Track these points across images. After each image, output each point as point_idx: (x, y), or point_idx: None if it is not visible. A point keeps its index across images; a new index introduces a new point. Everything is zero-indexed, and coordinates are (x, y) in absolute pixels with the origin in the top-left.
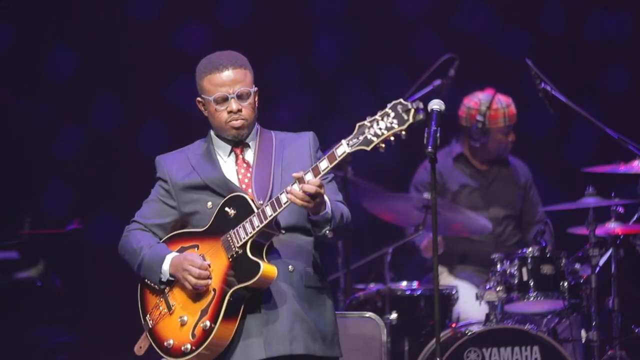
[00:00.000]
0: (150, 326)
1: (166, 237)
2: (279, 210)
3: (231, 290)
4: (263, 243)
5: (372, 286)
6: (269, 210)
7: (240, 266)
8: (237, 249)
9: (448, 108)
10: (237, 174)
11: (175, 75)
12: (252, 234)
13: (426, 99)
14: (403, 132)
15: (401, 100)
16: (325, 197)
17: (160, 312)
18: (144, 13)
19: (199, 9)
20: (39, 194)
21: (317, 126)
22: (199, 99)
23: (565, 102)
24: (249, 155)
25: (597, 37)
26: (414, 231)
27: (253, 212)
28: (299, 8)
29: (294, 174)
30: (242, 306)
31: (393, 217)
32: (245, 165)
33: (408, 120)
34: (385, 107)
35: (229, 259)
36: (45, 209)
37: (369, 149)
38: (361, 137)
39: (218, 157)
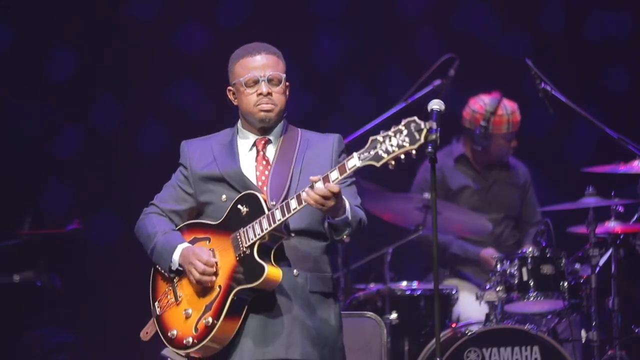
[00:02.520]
0: (158, 313)
1: (182, 225)
2: (287, 216)
3: (235, 290)
4: (271, 245)
5: (372, 286)
6: (278, 214)
7: (247, 267)
8: (244, 249)
9: (448, 108)
10: (256, 170)
11: (175, 75)
12: (260, 236)
13: (426, 99)
14: (414, 152)
15: (415, 118)
16: (346, 202)
17: (168, 301)
18: (144, 13)
19: (199, 9)
20: (39, 194)
21: (317, 126)
22: (229, 87)
23: (565, 102)
24: (270, 151)
25: (597, 37)
26: (414, 231)
27: (264, 213)
28: (299, 8)
29: (312, 177)
30: (246, 306)
31: (393, 217)
32: (264, 162)
33: (419, 140)
34: (400, 123)
35: (236, 257)
36: (45, 209)
37: (378, 165)
38: (372, 152)
39: (240, 149)
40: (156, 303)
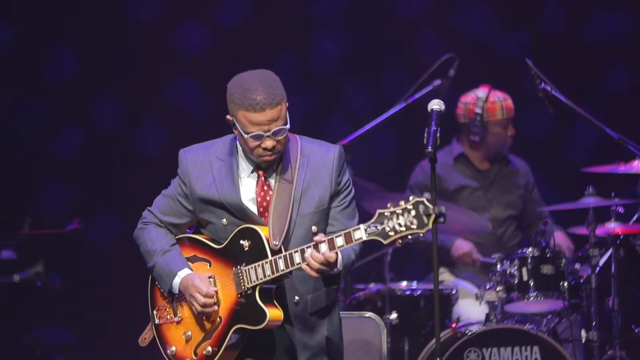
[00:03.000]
0: (157, 322)
1: (183, 236)
2: (290, 269)
3: (236, 326)
4: (272, 287)
5: (372, 286)
6: (281, 265)
7: (248, 307)
8: (246, 289)
9: (448, 108)
10: (257, 196)
11: (175, 75)
12: (262, 281)
13: (426, 99)
14: (421, 234)
15: (424, 200)
16: (339, 255)
17: (168, 315)
18: (144, 13)
19: (198, 9)
20: (38, 194)
21: (317, 126)
22: (229, 118)
23: (565, 102)
24: (272, 176)
25: (597, 37)
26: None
27: (267, 256)
28: (299, 8)
29: (316, 238)
30: (246, 336)
31: None
32: (265, 187)
33: (427, 225)
34: (408, 200)
35: (238, 295)
36: (45, 209)
37: (385, 242)
38: (379, 227)
39: (241, 171)
40: (155, 311)
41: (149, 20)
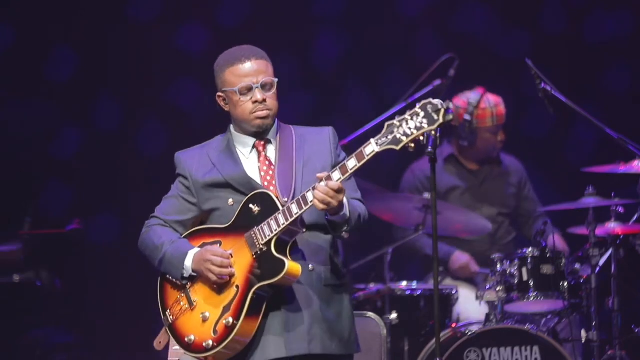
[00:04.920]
0: (171, 321)
1: (188, 233)
2: (305, 208)
3: (255, 287)
4: (287, 240)
5: (372, 286)
6: (294, 208)
7: (265, 263)
8: (261, 246)
9: None
10: (260, 171)
11: (175, 75)
12: (277, 232)
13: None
14: (433, 132)
15: (431, 100)
16: (344, 199)
17: (182, 308)
18: (144, 13)
19: (199, 9)
20: (38, 194)
21: (317, 126)
22: (219, 94)
23: (565, 102)
24: (271, 151)
25: (597, 37)
26: (414, 231)
27: (278, 209)
28: (299, 8)
29: (319, 175)
30: (265, 304)
31: (393, 217)
32: (267, 162)
33: (438, 120)
34: (415, 106)
35: (253, 256)
36: (45, 209)
37: (398, 148)
38: (390, 137)
39: (239, 153)
40: (167, 312)
41: (149, 20)
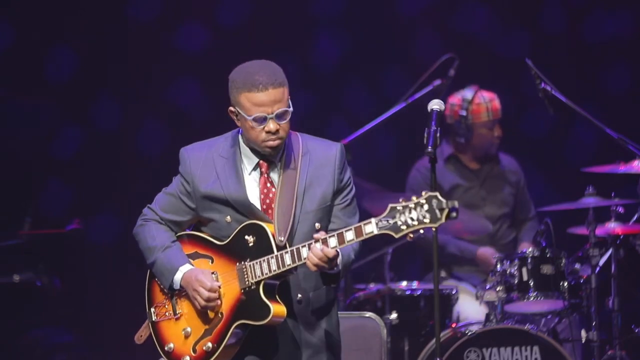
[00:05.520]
0: (154, 320)
1: (183, 234)
2: (297, 263)
3: (238, 322)
4: (276, 283)
5: (372, 286)
6: (288, 259)
7: (251, 303)
8: (250, 284)
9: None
10: (260, 193)
11: (175, 75)
12: (267, 276)
13: (426, 99)
14: (434, 229)
15: (437, 194)
16: (339, 255)
17: (166, 312)
18: (144, 13)
19: (198, 9)
20: (38, 194)
21: (317, 126)
22: (232, 109)
23: (565, 102)
24: (274, 174)
25: (597, 37)
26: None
27: (272, 251)
28: (299, 8)
29: (316, 235)
30: (246, 333)
31: None
32: (269, 184)
33: (440, 219)
34: (421, 196)
35: (241, 290)
36: (45, 209)
37: (396, 236)
38: (391, 222)
39: (243, 168)
40: (152, 309)
41: (149, 20)
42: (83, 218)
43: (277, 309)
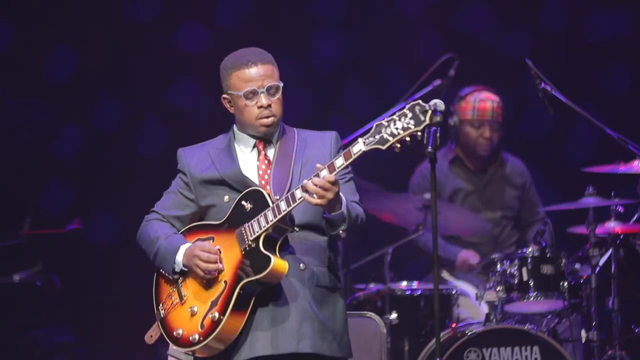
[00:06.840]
0: (162, 315)
1: (184, 229)
2: (293, 206)
3: (242, 283)
4: (276, 238)
5: (372, 286)
6: (283, 205)
7: (252, 259)
8: (250, 242)
9: (448, 108)
10: (258, 170)
11: (175, 75)
12: (265, 228)
13: (426, 99)
14: (419, 133)
15: (419, 101)
16: (342, 196)
17: (173, 302)
18: (144, 13)
19: (199, 9)
20: (38, 194)
21: (317, 126)
22: (224, 96)
23: (565, 102)
24: (271, 151)
25: (597, 37)
26: (415, 231)
27: (268, 206)
28: (299, 8)
29: (317, 165)
30: (252, 300)
31: (393, 217)
32: (266, 162)
33: (424, 121)
34: (404, 107)
35: (241, 251)
36: (45, 209)
37: (384, 147)
38: (377, 136)
39: (239, 151)
40: (160, 306)
41: (149, 20)
42: (83, 218)
43: (278, 261)
